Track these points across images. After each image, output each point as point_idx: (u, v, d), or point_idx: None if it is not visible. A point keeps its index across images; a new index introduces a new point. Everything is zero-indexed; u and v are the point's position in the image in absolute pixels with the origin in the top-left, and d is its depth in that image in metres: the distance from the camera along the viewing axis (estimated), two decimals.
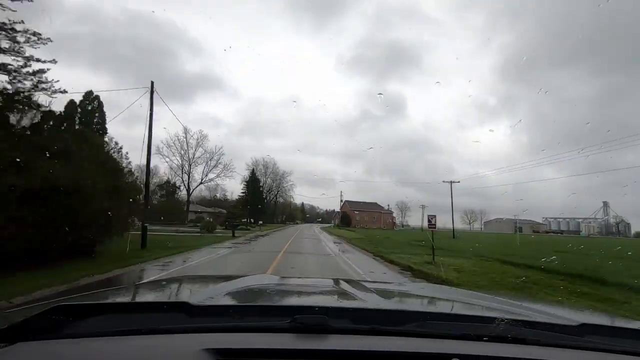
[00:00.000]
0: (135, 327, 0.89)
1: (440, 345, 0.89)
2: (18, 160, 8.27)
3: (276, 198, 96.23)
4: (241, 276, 1.76)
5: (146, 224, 16.00)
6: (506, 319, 0.99)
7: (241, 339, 0.87)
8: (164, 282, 1.85)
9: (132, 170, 15.99)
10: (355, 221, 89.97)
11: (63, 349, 0.81)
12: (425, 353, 0.85)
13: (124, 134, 76.90)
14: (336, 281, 1.78)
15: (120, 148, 15.17)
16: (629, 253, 21.53)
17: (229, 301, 1.22)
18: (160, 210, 40.95)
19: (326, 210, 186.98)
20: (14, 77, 11.02)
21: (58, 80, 11.81)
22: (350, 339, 0.89)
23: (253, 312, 1.07)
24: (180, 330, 0.89)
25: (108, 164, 12.15)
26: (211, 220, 30.37)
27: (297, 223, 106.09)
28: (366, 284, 1.73)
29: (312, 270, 11.47)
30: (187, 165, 63.93)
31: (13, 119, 10.19)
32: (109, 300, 1.33)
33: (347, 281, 1.77)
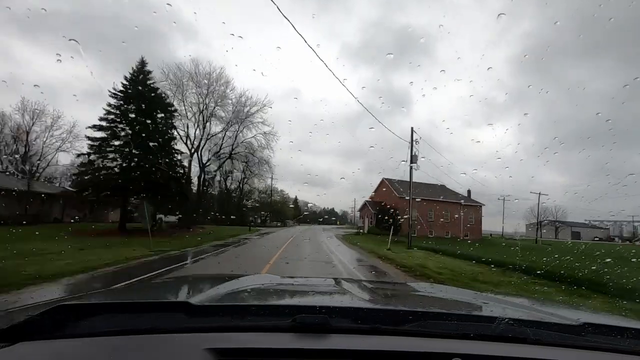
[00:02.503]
0: (136, 326, 0.90)
1: (441, 344, 0.89)
2: None
3: (245, 175, 47.99)
4: (242, 276, 1.77)
5: None
6: (507, 318, 0.99)
7: (242, 339, 0.87)
8: (164, 282, 2.02)
9: None
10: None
11: (64, 349, 0.81)
12: (426, 352, 0.85)
13: None
14: (337, 281, 1.78)
15: None
16: None
17: (229, 301, 1.21)
18: None
19: (324, 209, 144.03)
20: None
21: None
22: (351, 338, 0.89)
23: (254, 312, 1.06)
24: (181, 330, 0.89)
25: None
26: None
27: (284, 225, 61.45)
28: (367, 284, 1.76)
29: None
30: None
31: None
32: (110, 300, 1.31)
33: (348, 281, 1.82)
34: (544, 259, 14.18)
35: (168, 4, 17.54)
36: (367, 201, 48.74)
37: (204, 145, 37.88)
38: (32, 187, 26.77)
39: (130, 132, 22.86)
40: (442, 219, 44.30)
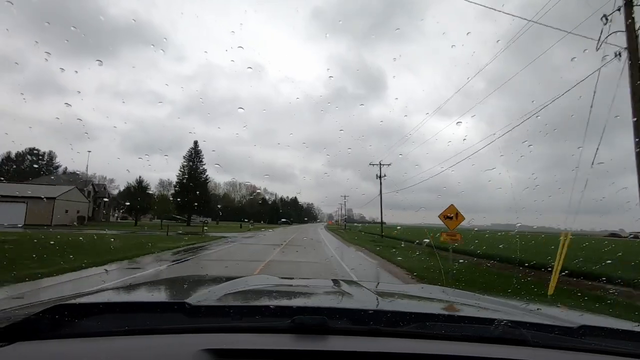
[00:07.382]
0: (134, 327, 0.90)
1: (440, 346, 0.89)
2: None
3: None
4: (241, 277, 1.78)
5: None
6: (506, 321, 0.99)
7: (240, 339, 0.87)
8: (163, 282, 1.95)
9: None
10: None
11: (61, 349, 0.81)
12: (425, 354, 0.85)
13: None
14: (336, 282, 1.77)
15: None
16: None
17: (228, 301, 1.21)
18: None
19: (282, 198, 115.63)
20: None
21: None
22: (349, 340, 0.89)
23: (252, 313, 1.07)
24: (179, 331, 0.89)
25: None
26: None
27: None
28: (366, 285, 1.72)
29: None
30: None
31: None
32: (108, 300, 1.30)
33: (347, 282, 1.81)
34: None
35: None
36: None
37: None
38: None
39: None
40: None
